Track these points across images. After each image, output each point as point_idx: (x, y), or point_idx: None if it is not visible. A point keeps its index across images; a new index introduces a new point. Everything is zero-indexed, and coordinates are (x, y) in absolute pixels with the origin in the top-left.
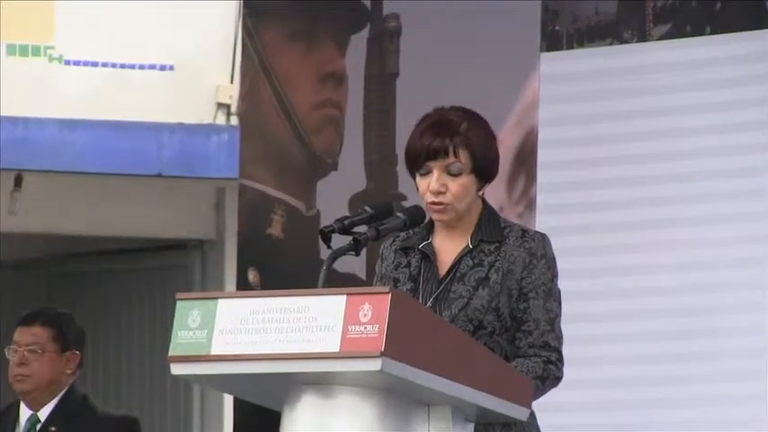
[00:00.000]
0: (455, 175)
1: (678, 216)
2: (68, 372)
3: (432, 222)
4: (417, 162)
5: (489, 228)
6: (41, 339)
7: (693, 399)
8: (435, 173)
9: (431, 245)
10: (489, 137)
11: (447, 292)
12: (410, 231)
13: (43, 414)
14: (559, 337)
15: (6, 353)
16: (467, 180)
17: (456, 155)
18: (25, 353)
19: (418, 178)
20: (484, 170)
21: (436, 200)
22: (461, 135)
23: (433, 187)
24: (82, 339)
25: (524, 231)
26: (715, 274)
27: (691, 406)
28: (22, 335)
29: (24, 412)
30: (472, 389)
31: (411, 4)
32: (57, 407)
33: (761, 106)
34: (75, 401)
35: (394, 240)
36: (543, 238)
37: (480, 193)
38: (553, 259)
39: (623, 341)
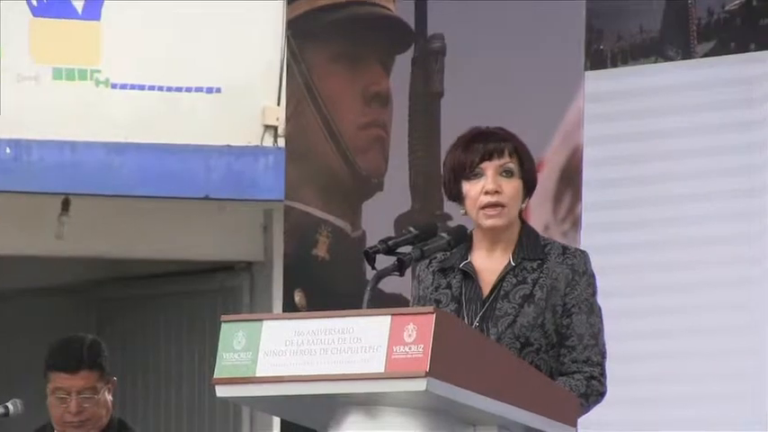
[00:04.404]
0: (508, 177)
1: (725, 233)
2: (111, 399)
3: (470, 242)
4: (469, 168)
5: (530, 245)
6: (93, 383)
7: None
8: (489, 173)
9: (471, 264)
10: (529, 150)
11: (492, 310)
12: (447, 252)
13: None
14: (603, 352)
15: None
16: (518, 183)
17: (510, 156)
18: (81, 401)
19: (467, 185)
20: (530, 179)
21: (493, 200)
22: (511, 141)
23: (490, 187)
24: (112, 362)
25: (565, 248)
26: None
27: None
28: (71, 381)
29: None
30: (518, 408)
31: (455, 23)
32: None
33: None
34: (113, 428)
35: (431, 262)
36: (584, 255)
37: (524, 205)
38: (593, 276)
39: (673, 358)
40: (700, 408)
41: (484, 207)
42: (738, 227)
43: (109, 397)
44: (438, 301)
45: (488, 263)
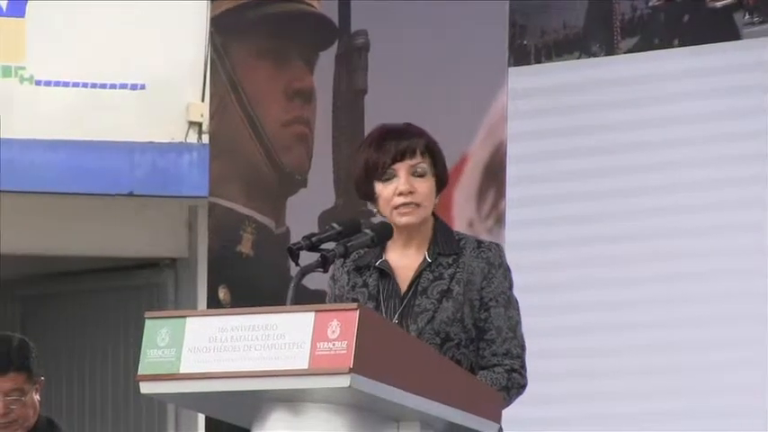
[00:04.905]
0: (421, 176)
1: (647, 228)
2: (39, 399)
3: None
4: (381, 169)
5: (445, 241)
6: (20, 384)
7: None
8: (402, 174)
9: (386, 262)
10: (439, 146)
11: (411, 307)
12: (361, 251)
13: None
14: (522, 345)
15: None
16: (431, 182)
17: (422, 155)
18: (8, 402)
19: (380, 186)
20: (442, 176)
21: (407, 200)
22: (423, 138)
23: (403, 188)
24: (39, 361)
25: (480, 242)
26: (702, 287)
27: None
28: None
29: None
30: (441, 404)
31: (379, 20)
32: None
33: (729, 119)
34: (41, 428)
35: (345, 261)
36: (499, 248)
37: (436, 201)
38: (509, 268)
39: (587, 355)
40: (620, 404)
41: (397, 207)
42: (662, 222)
43: (36, 397)
44: (355, 300)
45: (404, 260)
